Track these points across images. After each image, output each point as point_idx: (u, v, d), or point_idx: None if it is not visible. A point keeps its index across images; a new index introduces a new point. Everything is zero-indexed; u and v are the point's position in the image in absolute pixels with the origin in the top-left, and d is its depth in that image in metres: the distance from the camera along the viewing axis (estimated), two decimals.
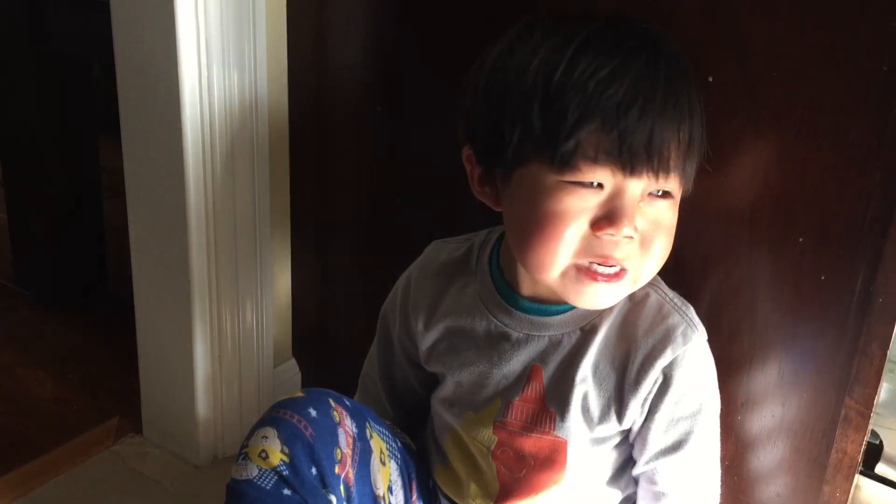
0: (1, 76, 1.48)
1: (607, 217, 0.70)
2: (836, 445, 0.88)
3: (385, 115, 1.08)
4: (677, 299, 0.79)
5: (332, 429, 0.78)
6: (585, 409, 0.79)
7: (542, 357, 0.80)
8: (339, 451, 0.78)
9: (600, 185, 0.69)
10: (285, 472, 0.74)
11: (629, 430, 0.81)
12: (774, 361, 0.89)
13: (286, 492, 0.74)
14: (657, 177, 0.70)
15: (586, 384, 0.79)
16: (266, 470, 0.74)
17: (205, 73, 1.00)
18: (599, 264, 0.72)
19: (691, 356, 0.77)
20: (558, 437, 0.81)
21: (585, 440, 0.81)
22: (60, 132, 1.48)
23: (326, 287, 1.23)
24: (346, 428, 0.80)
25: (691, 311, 0.79)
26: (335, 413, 0.80)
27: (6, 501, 1.11)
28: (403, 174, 1.09)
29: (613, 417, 0.79)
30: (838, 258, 0.83)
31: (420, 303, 0.88)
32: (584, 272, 0.72)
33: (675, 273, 0.91)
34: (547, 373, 0.80)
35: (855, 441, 0.86)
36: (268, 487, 0.74)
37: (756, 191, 0.86)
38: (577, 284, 0.73)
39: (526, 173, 0.71)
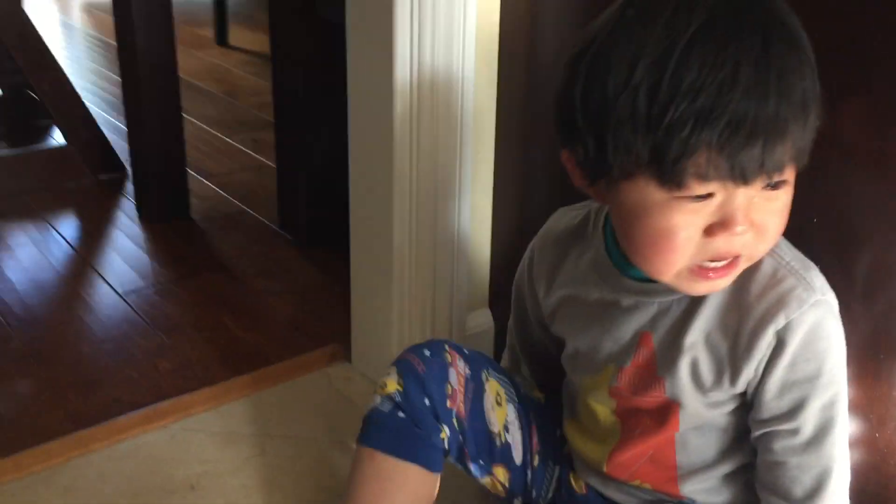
0: (280, 39, 1.70)
1: (721, 223, 0.69)
2: None
3: None
4: (796, 262, 0.76)
5: (443, 367, 0.89)
6: (696, 375, 0.79)
7: (652, 324, 0.81)
8: (449, 386, 0.89)
9: (710, 194, 0.68)
10: (398, 399, 0.87)
11: (746, 395, 0.79)
12: None
13: (400, 414, 0.87)
14: (770, 178, 0.68)
15: (696, 350, 0.78)
16: (384, 397, 0.88)
17: (416, 46, 1.10)
18: (713, 261, 0.71)
19: (808, 319, 0.74)
20: (669, 399, 0.81)
21: (699, 404, 0.80)
22: (324, 92, 1.67)
23: (525, 244, 1.28)
24: (458, 368, 0.90)
25: (811, 273, 0.76)
26: (447, 355, 0.90)
27: (234, 397, 1.29)
28: None
29: (727, 383, 0.78)
30: None
31: (541, 270, 0.92)
32: (697, 272, 0.72)
33: (840, 240, 0.87)
34: (657, 339, 0.81)
35: None
36: (386, 412, 0.88)
37: None
38: (690, 283, 0.73)
39: (632, 187, 0.70)
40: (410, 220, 1.20)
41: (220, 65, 3.10)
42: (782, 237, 0.79)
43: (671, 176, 0.67)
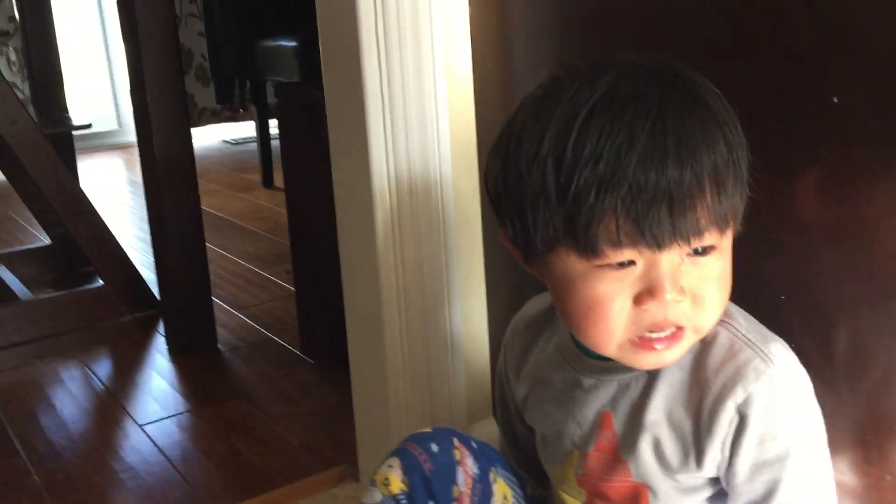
0: (291, 169, 1.76)
1: (648, 291, 0.67)
2: None
3: None
4: (752, 334, 0.73)
5: (450, 466, 0.83)
6: (660, 456, 0.75)
7: (613, 403, 0.78)
8: (456, 488, 0.82)
9: (632, 262, 0.67)
10: (403, 502, 0.80)
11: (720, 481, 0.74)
12: None
13: None
14: (689, 242, 0.66)
15: (658, 428, 0.75)
16: (387, 497, 0.81)
17: (391, 155, 1.13)
18: (652, 331, 0.69)
19: (769, 393, 0.70)
20: (637, 483, 0.77)
21: (670, 489, 0.76)
22: (334, 218, 1.71)
23: None
24: (467, 468, 0.84)
25: (770, 345, 0.72)
26: (456, 452, 0.84)
27: None
28: None
29: (693, 464, 0.73)
30: None
31: (512, 357, 0.90)
32: (639, 344, 0.70)
33: (813, 318, 0.83)
34: (618, 419, 0.77)
35: None
36: None
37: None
38: (635, 355, 0.71)
39: (557, 260, 0.70)
40: (401, 331, 1.20)
41: (264, 204, 3.22)
42: (740, 310, 0.76)
43: (586, 244, 0.66)
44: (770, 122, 0.82)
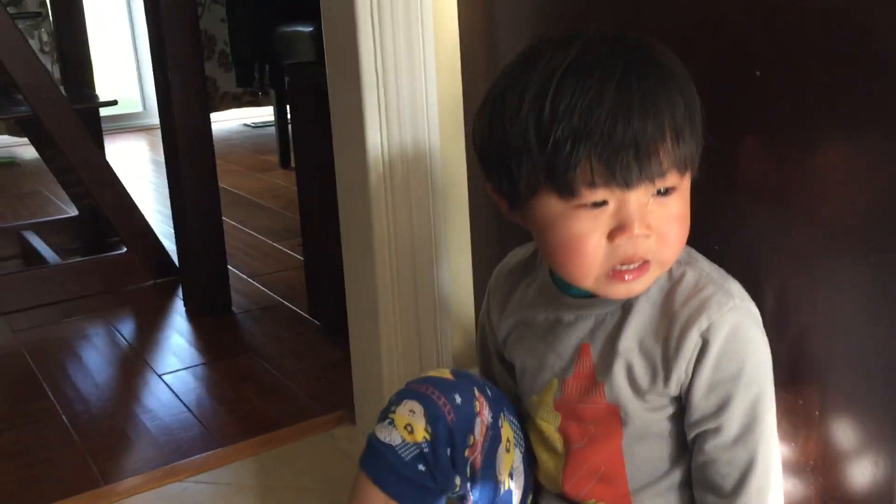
0: (299, 147, 1.89)
1: (619, 227, 0.78)
2: None
3: None
4: (715, 273, 0.85)
5: (471, 417, 0.88)
6: (631, 379, 0.86)
7: (591, 335, 0.89)
8: (472, 437, 0.88)
9: (605, 202, 0.78)
10: (426, 450, 0.85)
11: (680, 399, 0.86)
12: (854, 359, 0.87)
13: (421, 467, 0.85)
14: (654, 182, 0.78)
15: (630, 355, 0.86)
16: (409, 443, 0.85)
17: (385, 126, 1.25)
18: (624, 264, 0.81)
19: (728, 321, 0.82)
20: (610, 404, 0.88)
21: (639, 408, 0.87)
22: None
23: None
24: (484, 417, 0.90)
25: (729, 283, 0.84)
26: (477, 403, 0.89)
27: (244, 456, 1.41)
28: None
29: (661, 384, 0.85)
30: None
31: (495, 302, 1.01)
32: (612, 276, 0.81)
33: (743, 268, 0.94)
34: (595, 349, 0.89)
35: None
36: (406, 459, 0.85)
37: (815, 185, 0.87)
38: (608, 286, 0.83)
39: (539, 204, 0.81)
40: (393, 290, 1.32)
41: (280, 184, 3.36)
42: (702, 256, 0.88)
43: (564, 187, 0.78)
44: (703, 94, 0.93)
